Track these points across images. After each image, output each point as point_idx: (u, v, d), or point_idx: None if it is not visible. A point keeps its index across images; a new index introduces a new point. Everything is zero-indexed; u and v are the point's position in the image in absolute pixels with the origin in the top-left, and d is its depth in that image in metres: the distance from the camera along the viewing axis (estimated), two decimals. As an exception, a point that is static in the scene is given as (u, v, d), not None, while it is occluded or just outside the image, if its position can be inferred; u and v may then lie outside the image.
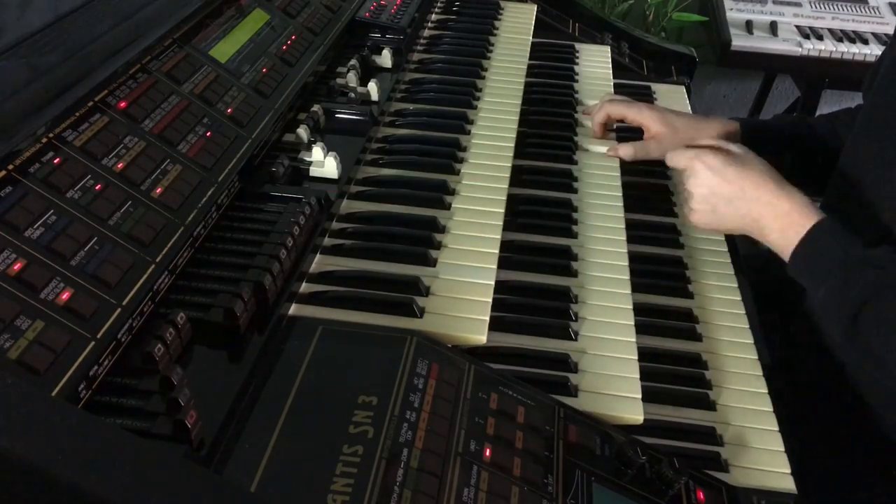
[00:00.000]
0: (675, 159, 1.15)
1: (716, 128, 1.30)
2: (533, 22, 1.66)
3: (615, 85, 1.55)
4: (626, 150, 1.30)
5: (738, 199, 1.07)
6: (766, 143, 1.28)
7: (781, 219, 1.03)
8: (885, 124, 1.07)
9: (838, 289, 0.96)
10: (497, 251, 1.01)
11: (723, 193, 1.08)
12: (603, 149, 1.31)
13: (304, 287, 0.92)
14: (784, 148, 1.29)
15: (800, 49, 2.32)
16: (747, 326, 1.08)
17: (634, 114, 1.30)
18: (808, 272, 1.01)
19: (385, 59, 1.34)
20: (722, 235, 1.25)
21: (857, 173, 1.13)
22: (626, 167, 1.31)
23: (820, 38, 2.35)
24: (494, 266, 0.98)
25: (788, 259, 1.02)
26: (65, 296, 0.67)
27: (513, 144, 1.23)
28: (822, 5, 2.48)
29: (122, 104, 0.86)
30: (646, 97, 1.61)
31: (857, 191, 1.12)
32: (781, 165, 1.29)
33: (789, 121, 1.35)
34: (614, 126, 1.38)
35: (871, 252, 0.97)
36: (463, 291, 0.94)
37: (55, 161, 0.75)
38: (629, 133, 1.36)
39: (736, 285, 1.15)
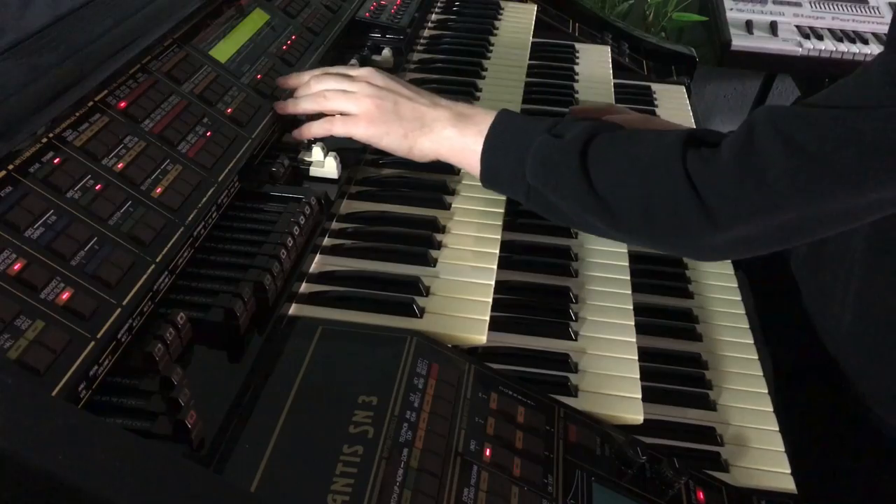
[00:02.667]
0: (328, 69, 1.05)
1: None
2: (533, 22, 1.66)
3: (615, 85, 1.55)
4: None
5: (418, 96, 0.99)
6: None
7: (463, 113, 0.97)
8: None
9: (551, 149, 0.89)
10: (497, 251, 1.01)
11: (404, 91, 0.99)
12: None
13: (304, 287, 0.92)
14: None
15: (800, 49, 2.32)
16: (747, 326, 1.08)
17: (616, 118, 1.29)
18: (509, 156, 0.92)
19: (385, 59, 1.34)
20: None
21: None
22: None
23: (820, 37, 2.35)
24: (494, 266, 0.98)
25: (483, 149, 0.93)
26: (65, 296, 0.67)
27: (513, 144, 1.23)
28: (822, 5, 2.48)
29: (122, 104, 0.86)
30: (646, 97, 1.61)
31: None
32: None
33: None
34: None
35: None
36: (463, 291, 0.94)
37: (55, 161, 0.75)
38: None
39: (736, 285, 1.15)
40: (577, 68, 1.59)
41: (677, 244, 0.89)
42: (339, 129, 1.01)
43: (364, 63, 1.31)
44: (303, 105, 1.01)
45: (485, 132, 0.94)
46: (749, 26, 2.38)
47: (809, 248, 1.18)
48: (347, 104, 0.99)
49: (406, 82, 1.02)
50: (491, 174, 0.95)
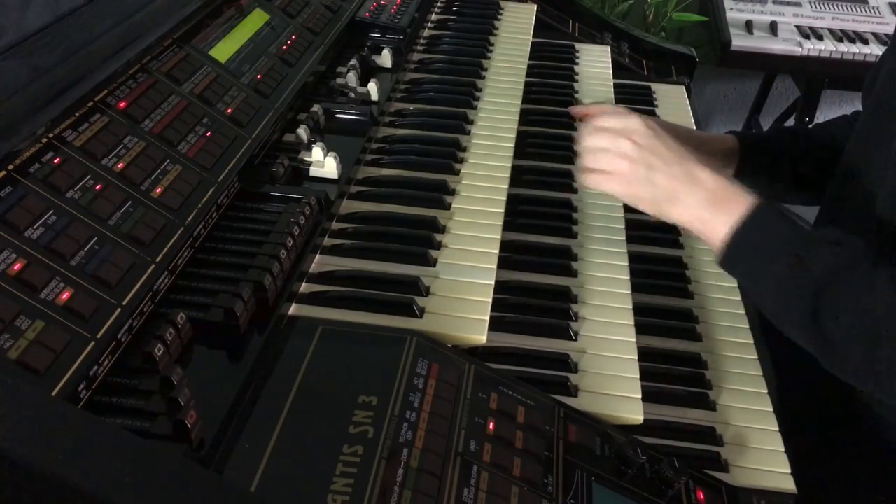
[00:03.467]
0: (603, 119, 1.03)
1: (715, 142, 1.29)
2: (533, 22, 1.66)
3: (615, 85, 1.55)
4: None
5: (676, 164, 0.96)
6: (764, 154, 1.28)
7: (714, 192, 0.94)
8: (884, 129, 1.07)
9: (791, 274, 0.87)
10: (497, 251, 1.01)
11: (663, 155, 0.97)
12: None
13: (304, 287, 0.92)
14: (782, 158, 1.29)
15: (800, 49, 2.32)
16: (747, 326, 1.08)
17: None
18: (752, 256, 0.91)
19: (385, 59, 1.34)
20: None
21: (856, 177, 1.13)
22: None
23: (820, 38, 2.35)
24: (494, 266, 0.98)
25: (728, 238, 0.91)
26: (65, 296, 0.67)
27: (513, 144, 1.23)
28: (822, 5, 2.48)
29: (122, 104, 0.86)
30: (646, 97, 1.61)
31: (855, 195, 1.12)
32: (781, 175, 1.30)
33: (786, 130, 1.34)
34: None
35: (821, 231, 0.91)
36: (463, 291, 0.94)
37: (55, 161, 0.75)
38: None
39: (736, 285, 1.15)
40: (577, 68, 1.59)
41: None
42: (592, 182, 1.02)
43: (364, 63, 1.31)
44: (584, 163, 1.03)
45: (733, 224, 0.91)
46: (749, 26, 2.38)
47: None
48: (606, 163, 0.99)
49: (670, 139, 0.98)
50: (728, 265, 0.94)
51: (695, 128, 1.52)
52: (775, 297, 0.91)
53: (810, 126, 1.42)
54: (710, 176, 0.95)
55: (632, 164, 0.97)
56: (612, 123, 1.01)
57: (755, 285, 0.94)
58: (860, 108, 1.35)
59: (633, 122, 0.99)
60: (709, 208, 0.93)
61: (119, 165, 0.81)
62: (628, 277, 1.06)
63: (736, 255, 0.92)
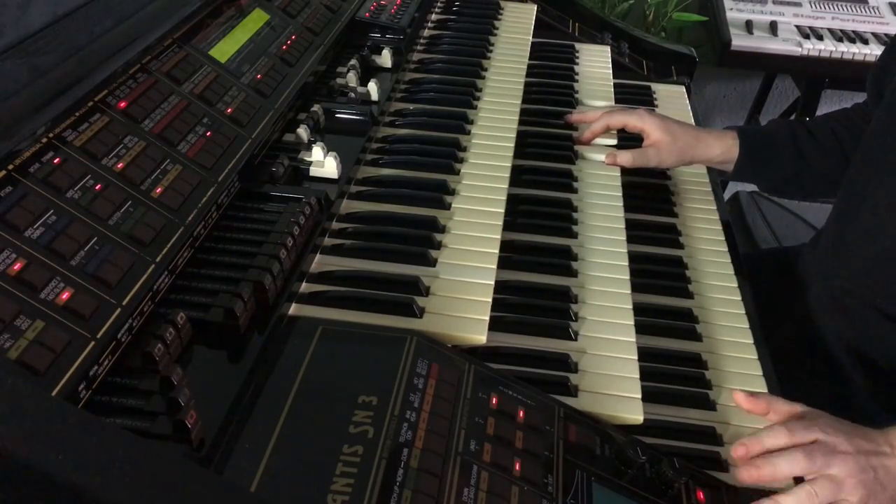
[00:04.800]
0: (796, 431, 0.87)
1: (714, 137, 1.30)
2: (533, 22, 1.66)
3: (615, 85, 1.55)
4: (626, 157, 1.28)
5: (886, 458, 0.87)
6: (764, 149, 1.28)
7: None
8: None
9: None
10: (497, 251, 1.01)
11: (872, 457, 0.86)
12: (601, 157, 1.30)
13: (304, 287, 0.92)
14: (782, 152, 1.30)
15: (800, 49, 2.32)
16: (747, 326, 1.08)
17: (636, 121, 1.29)
18: None
19: (385, 59, 1.34)
20: (722, 235, 1.25)
21: (872, 175, 1.13)
22: (626, 167, 1.31)
23: (820, 38, 2.35)
24: (494, 266, 0.98)
25: None
26: (65, 296, 0.67)
27: (513, 144, 1.23)
28: (822, 5, 2.48)
29: (122, 104, 0.86)
30: (646, 97, 1.61)
31: (871, 193, 1.12)
32: (780, 170, 1.30)
33: (785, 125, 1.35)
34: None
35: None
36: (463, 291, 0.94)
37: (55, 161, 0.75)
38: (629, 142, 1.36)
39: (736, 285, 1.15)
40: (577, 68, 1.59)
41: None
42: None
43: (364, 63, 1.31)
44: (782, 469, 0.84)
45: None
46: (749, 26, 2.37)
47: (833, 244, 1.18)
48: (835, 492, 0.84)
49: (847, 426, 0.88)
50: None
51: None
52: None
53: (810, 119, 1.42)
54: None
55: (862, 477, 0.84)
56: (803, 435, 0.86)
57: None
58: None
59: (821, 425, 0.86)
60: None
61: (119, 165, 0.81)
62: (628, 277, 1.06)
63: None
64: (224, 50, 1.06)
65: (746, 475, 0.84)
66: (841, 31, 2.40)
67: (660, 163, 1.29)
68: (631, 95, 1.60)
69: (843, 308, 1.17)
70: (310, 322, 0.84)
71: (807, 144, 1.30)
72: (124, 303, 0.71)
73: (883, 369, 1.14)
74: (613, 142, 1.34)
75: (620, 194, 1.22)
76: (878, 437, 0.88)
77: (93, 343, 0.67)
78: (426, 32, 1.57)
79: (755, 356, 1.04)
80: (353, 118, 1.19)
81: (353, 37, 1.37)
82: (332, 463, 0.68)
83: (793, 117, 2.64)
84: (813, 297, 1.25)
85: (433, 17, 1.64)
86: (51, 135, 0.77)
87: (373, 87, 1.22)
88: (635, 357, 0.94)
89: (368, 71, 1.31)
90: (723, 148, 1.28)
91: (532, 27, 1.64)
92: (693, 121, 1.55)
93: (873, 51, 2.31)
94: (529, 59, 1.52)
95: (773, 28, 2.38)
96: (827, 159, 1.29)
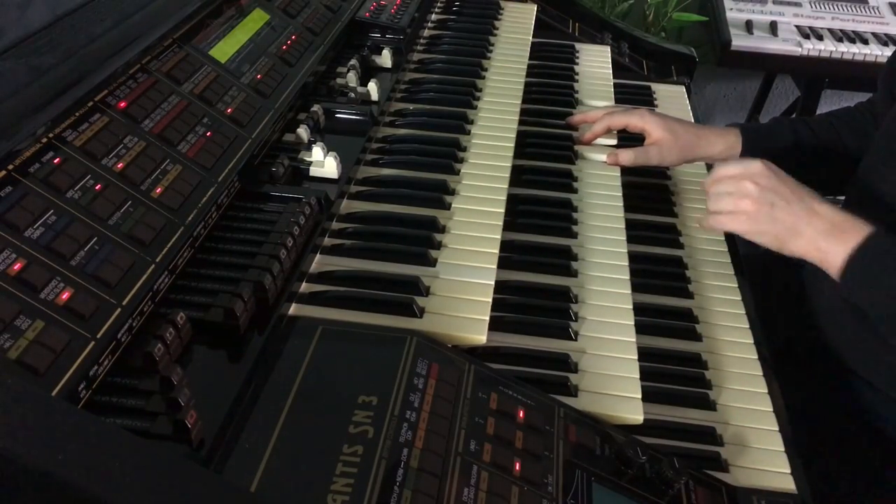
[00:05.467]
0: (725, 167, 1.10)
1: (716, 135, 1.29)
2: (533, 22, 1.66)
3: (615, 85, 1.55)
4: (627, 156, 1.28)
5: (796, 201, 1.03)
6: (766, 147, 1.28)
7: (834, 223, 1.00)
8: None
9: None
10: (497, 251, 1.01)
11: (784, 193, 1.04)
12: (602, 157, 1.30)
13: (304, 287, 0.92)
14: (784, 150, 1.29)
15: (800, 49, 2.32)
16: (747, 326, 1.08)
17: (637, 120, 1.29)
18: (869, 282, 0.98)
19: (385, 59, 1.34)
20: (722, 235, 1.25)
21: (883, 175, 1.13)
22: (627, 167, 1.31)
23: (820, 38, 2.35)
24: (494, 266, 0.98)
25: (845, 267, 0.98)
26: (65, 296, 0.67)
27: (513, 144, 1.23)
28: (822, 5, 2.48)
29: (122, 104, 0.86)
30: (646, 97, 1.61)
31: (882, 193, 1.12)
32: (782, 167, 1.30)
33: (787, 123, 1.35)
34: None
35: None
36: (463, 291, 0.94)
37: (55, 161, 0.75)
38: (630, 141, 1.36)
39: (736, 285, 1.15)
40: (577, 68, 1.59)
41: None
42: (718, 223, 1.10)
43: (364, 63, 1.31)
44: (710, 207, 1.11)
45: (850, 252, 0.98)
46: (749, 26, 2.37)
47: None
48: (731, 205, 1.07)
49: (789, 179, 1.06)
50: (846, 291, 1.01)
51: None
52: (889, 306, 0.97)
53: (812, 116, 1.42)
54: (828, 209, 1.02)
55: (755, 203, 1.04)
56: (734, 170, 1.08)
57: (874, 309, 1.00)
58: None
59: (755, 166, 1.06)
60: (827, 239, 1.00)
61: (119, 165, 0.81)
62: (628, 277, 1.06)
63: (853, 281, 0.98)
64: (224, 50, 1.06)
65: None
66: (841, 31, 2.40)
67: (661, 161, 1.29)
68: (631, 95, 1.60)
69: (849, 307, 1.17)
70: (310, 322, 0.84)
71: (809, 141, 1.30)
72: (124, 303, 0.71)
73: (886, 369, 1.14)
74: (613, 142, 1.34)
75: (620, 194, 1.22)
76: (806, 194, 1.04)
77: (93, 343, 0.67)
78: (426, 32, 1.57)
79: (755, 356, 1.04)
80: (353, 118, 1.19)
81: (353, 37, 1.37)
82: (332, 463, 0.68)
83: (793, 117, 2.64)
84: (813, 297, 1.25)
85: (433, 17, 1.64)
86: (51, 135, 0.77)
87: (373, 87, 1.22)
88: (635, 357, 0.94)
89: (368, 71, 1.31)
90: (725, 145, 1.28)
91: (532, 27, 1.64)
92: (693, 121, 1.55)
93: (873, 51, 2.31)
94: (529, 59, 1.52)
95: (773, 28, 2.38)
96: (829, 156, 1.29)
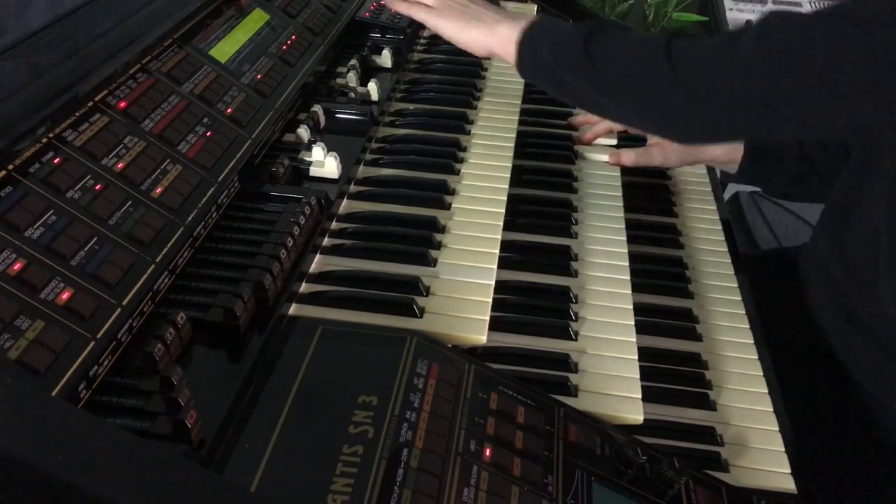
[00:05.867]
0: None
1: None
2: (533, 22, 1.66)
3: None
4: (629, 157, 1.28)
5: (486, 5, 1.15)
6: (769, 149, 1.28)
7: (512, 16, 1.11)
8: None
9: (569, 35, 1.02)
10: (497, 251, 1.01)
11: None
12: (604, 157, 1.30)
13: (304, 287, 0.92)
14: (787, 153, 1.29)
15: (800, 49, 2.32)
16: (747, 326, 1.08)
17: None
18: (536, 54, 1.05)
19: (385, 59, 1.34)
20: (722, 235, 1.25)
21: (865, 182, 1.13)
22: (627, 167, 1.31)
23: (820, 38, 2.35)
24: (494, 266, 0.98)
25: (519, 39, 1.07)
26: (65, 296, 0.67)
27: (513, 144, 1.23)
28: (821, 5, 2.47)
29: (122, 104, 0.86)
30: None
31: (863, 199, 1.11)
32: (785, 171, 1.29)
33: None
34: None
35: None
36: (463, 291, 0.94)
37: (55, 161, 0.75)
38: (630, 141, 1.36)
39: (736, 285, 1.15)
40: (577, 68, 1.59)
41: (654, 109, 0.99)
42: (401, 7, 1.19)
43: (364, 63, 1.31)
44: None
45: (523, 28, 1.08)
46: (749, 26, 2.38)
47: (831, 248, 1.18)
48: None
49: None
50: (522, 71, 1.10)
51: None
52: (558, 56, 1.03)
53: None
54: (508, 12, 1.15)
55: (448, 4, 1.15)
56: None
57: (545, 83, 1.08)
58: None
59: None
60: (502, 23, 1.10)
61: (119, 165, 0.81)
62: (628, 277, 1.06)
63: (525, 58, 1.07)
64: (224, 50, 1.06)
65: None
66: (841, 31, 2.40)
67: (664, 162, 1.29)
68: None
69: (846, 309, 1.17)
70: (310, 322, 0.84)
71: (812, 146, 1.30)
72: (124, 303, 0.71)
73: (884, 369, 1.14)
74: (614, 142, 1.34)
75: (620, 194, 1.22)
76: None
77: (93, 343, 0.67)
78: (426, 32, 1.57)
79: (755, 356, 1.04)
80: (353, 118, 1.19)
81: (353, 37, 1.38)
82: (332, 463, 0.68)
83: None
84: (813, 297, 1.25)
85: (433, 17, 1.63)
86: (51, 135, 0.77)
87: (373, 87, 1.22)
88: (635, 357, 0.94)
89: (368, 71, 1.32)
90: (727, 147, 1.28)
91: (532, 27, 1.64)
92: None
93: (873, 51, 2.31)
94: (529, 59, 1.52)
95: (773, 28, 2.38)
96: (832, 161, 1.29)
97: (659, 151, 1.27)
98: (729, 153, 1.28)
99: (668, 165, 1.32)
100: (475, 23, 1.11)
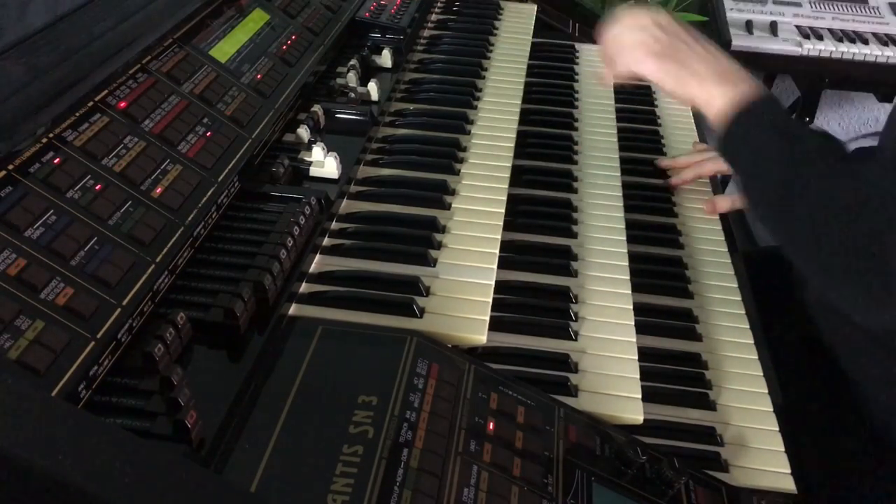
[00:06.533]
0: (623, 17, 1.13)
1: None
2: (533, 22, 1.66)
3: (615, 85, 1.55)
4: (724, 203, 1.28)
5: (696, 43, 1.08)
6: None
7: (729, 71, 1.04)
8: None
9: (779, 144, 0.95)
10: (497, 251, 1.01)
11: (687, 36, 1.08)
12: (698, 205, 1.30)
13: (304, 287, 0.92)
14: None
15: (800, 49, 2.32)
16: (747, 326, 1.08)
17: (724, 165, 1.27)
18: (746, 128, 0.99)
19: (385, 59, 1.34)
20: (722, 235, 1.25)
21: None
22: (626, 168, 1.31)
23: (820, 38, 2.35)
24: (494, 266, 0.98)
25: (725, 114, 0.99)
26: (65, 296, 0.67)
27: (513, 144, 1.23)
28: (822, 5, 2.48)
29: (122, 104, 0.86)
30: (645, 97, 1.61)
31: None
32: None
33: (872, 154, 1.35)
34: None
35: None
36: (463, 291, 0.94)
37: (55, 161, 0.75)
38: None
39: (736, 285, 1.15)
40: (576, 68, 1.59)
41: (845, 284, 0.92)
42: (624, 64, 1.10)
43: (364, 63, 1.31)
44: (611, 53, 1.13)
45: (733, 99, 1.00)
46: (749, 26, 2.37)
47: None
48: (639, 45, 1.08)
49: (690, 27, 1.10)
50: (721, 143, 1.03)
51: (695, 127, 1.53)
52: (756, 163, 0.97)
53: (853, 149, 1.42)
54: (726, 57, 1.06)
55: (663, 43, 1.06)
56: (637, 18, 1.10)
57: (738, 167, 1.01)
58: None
59: (652, 13, 1.09)
60: (717, 82, 1.02)
61: (119, 165, 0.81)
62: (628, 277, 1.06)
63: (728, 131, 0.99)
64: (224, 50, 1.06)
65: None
66: (841, 31, 2.40)
67: None
68: (630, 95, 1.60)
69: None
70: (310, 322, 0.84)
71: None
72: (124, 303, 0.71)
73: (882, 364, 1.14)
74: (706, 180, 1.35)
75: (620, 194, 1.22)
76: (705, 39, 1.10)
77: (93, 343, 0.67)
78: (426, 32, 1.57)
79: (755, 356, 1.04)
80: (353, 118, 1.19)
81: (353, 37, 1.38)
82: (332, 463, 0.68)
83: (793, 117, 2.64)
84: (814, 297, 1.25)
85: (433, 17, 1.64)
86: (51, 135, 0.77)
87: (373, 87, 1.22)
88: (635, 357, 0.94)
89: (368, 71, 1.31)
90: None
91: (532, 27, 1.64)
92: (693, 120, 1.55)
93: (873, 51, 2.31)
94: (529, 59, 1.52)
95: (773, 28, 2.38)
96: None
97: None
98: None
99: None
100: (690, 80, 1.04)
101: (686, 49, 1.06)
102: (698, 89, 1.02)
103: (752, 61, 2.38)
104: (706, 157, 1.34)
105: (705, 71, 1.03)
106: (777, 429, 0.93)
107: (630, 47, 1.09)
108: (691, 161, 1.34)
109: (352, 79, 1.25)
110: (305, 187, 1.02)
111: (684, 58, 1.05)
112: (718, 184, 1.41)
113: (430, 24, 1.60)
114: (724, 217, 1.30)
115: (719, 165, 1.30)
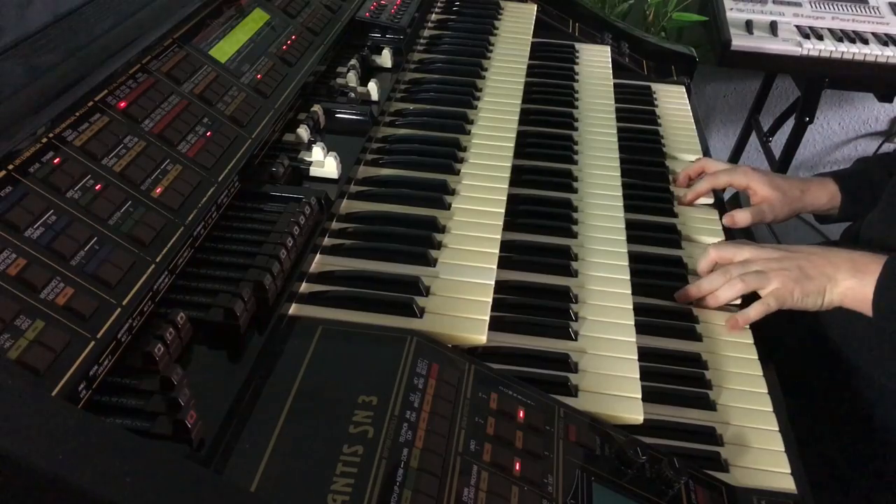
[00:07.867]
0: (721, 251, 1.13)
1: (817, 186, 1.31)
2: (533, 22, 1.66)
3: (615, 85, 1.55)
4: (744, 217, 1.29)
5: (809, 254, 1.07)
6: (862, 190, 1.29)
7: (854, 261, 1.04)
8: None
9: None
10: (497, 251, 1.01)
11: (794, 253, 1.08)
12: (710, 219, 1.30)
13: (304, 287, 0.92)
14: (879, 186, 1.29)
15: (800, 49, 2.32)
16: (747, 326, 1.08)
17: (741, 179, 1.30)
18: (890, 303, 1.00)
19: (385, 59, 1.34)
20: (722, 235, 1.25)
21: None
22: (626, 168, 1.31)
23: (820, 38, 2.35)
24: (494, 266, 0.98)
25: (873, 294, 1.01)
26: (65, 296, 0.67)
27: (513, 144, 1.23)
28: (822, 5, 2.47)
29: (122, 104, 0.86)
30: (646, 97, 1.61)
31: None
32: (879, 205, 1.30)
33: (876, 161, 1.35)
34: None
35: None
36: (463, 291, 0.94)
37: (55, 161, 0.75)
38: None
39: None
40: (577, 68, 1.59)
41: None
42: (764, 307, 1.07)
43: (364, 63, 1.31)
44: (725, 295, 1.09)
45: (874, 282, 1.02)
46: (749, 26, 2.37)
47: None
48: (763, 283, 1.06)
49: (783, 245, 1.11)
50: (882, 321, 1.03)
51: (695, 127, 1.53)
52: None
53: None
54: (837, 251, 1.07)
55: (787, 270, 1.05)
56: (740, 253, 1.10)
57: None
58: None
59: (748, 250, 1.10)
60: (855, 276, 1.03)
61: (119, 165, 0.81)
62: (628, 277, 1.06)
63: (887, 308, 1.00)
64: (224, 50, 1.06)
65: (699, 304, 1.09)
66: (841, 31, 2.40)
67: (774, 218, 1.30)
68: (631, 95, 1.60)
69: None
70: (310, 322, 0.84)
71: None
72: (124, 303, 0.71)
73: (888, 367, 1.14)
74: (710, 200, 1.33)
75: (620, 194, 1.23)
76: (804, 246, 1.10)
77: (93, 343, 0.67)
78: (426, 32, 1.57)
79: (755, 356, 1.04)
80: (353, 118, 1.19)
81: (353, 37, 1.37)
82: (332, 463, 0.68)
83: (793, 117, 2.64)
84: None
85: (433, 17, 1.64)
86: (51, 135, 0.77)
87: (373, 87, 1.22)
88: (635, 357, 0.94)
89: (368, 71, 1.32)
90: (828, 196, 1.30)
91: (532, 27, 1.64)
92: (693, 120, 1.55)
93: (873, 51, 2.31)
94: (529, 59, 1.52)
95: (773, 28, 2.38)
96: None
97: (769, 209, 1.28)
98: (831, 200, 1.30)
99: (778, 220, 1.32)
100: (808, 283, 1.05)
101: (807, 264, 1.06)
102: (842, 292, 1.04)
103: (752, 61, 2.38)
104: (720, 168, 1.33)
105: (839, 274, 1.04)
106: (777, 429, 0.93)
107: (752, 285, 1.07)
108: (704, 168, 1.34)
109: (352, 79, 1.25)
110: (305, 187, 1.02)
111: (812, 272, 1.05)
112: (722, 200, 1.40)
113: (430, 24, 1.60)
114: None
115: (732, 177, 1.29)
